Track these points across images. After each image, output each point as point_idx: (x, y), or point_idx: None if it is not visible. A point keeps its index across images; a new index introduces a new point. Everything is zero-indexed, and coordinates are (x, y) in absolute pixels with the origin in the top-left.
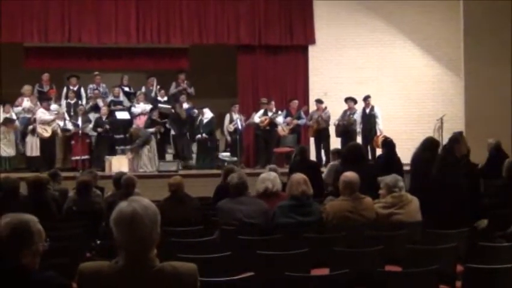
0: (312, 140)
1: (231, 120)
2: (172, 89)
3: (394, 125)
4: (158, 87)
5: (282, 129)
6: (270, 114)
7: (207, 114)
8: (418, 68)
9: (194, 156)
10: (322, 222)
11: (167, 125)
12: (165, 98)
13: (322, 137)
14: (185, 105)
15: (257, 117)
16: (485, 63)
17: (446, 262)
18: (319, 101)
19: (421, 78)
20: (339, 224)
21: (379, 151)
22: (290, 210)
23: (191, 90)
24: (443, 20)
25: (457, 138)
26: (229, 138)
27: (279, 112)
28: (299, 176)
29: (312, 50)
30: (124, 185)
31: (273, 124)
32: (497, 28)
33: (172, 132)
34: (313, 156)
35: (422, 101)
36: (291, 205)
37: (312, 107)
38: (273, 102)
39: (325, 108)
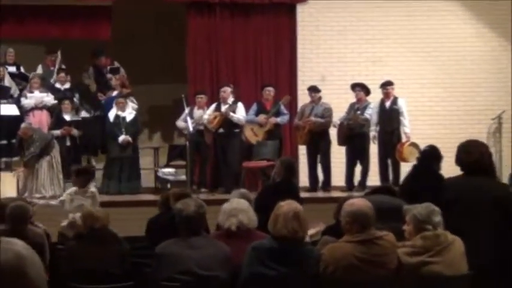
0: (302, 149)
1: (191, 118)
2: (87, 78)
3: (427, 126)
4: (63, 66)
5: (252, 133)
6: (223, 107)
7: (130, 110)
8: (464, 40)
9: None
10: (318, 276)
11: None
12: (67, 85)
13: (319, 145)
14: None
15: (206, 114)
16: None
17: None
18: (314, 89)
19: (467, 56)
20: (342, 279)
21: (406, 166)
22: (269, 256)
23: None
24: None
25: None
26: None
27: (238, 104)
28: (290, 207)
29: (302, 11)
30: (10, 219)
31: (230, 124)
32: None
33: (83, 114)
34: (305, 175)
35: (470, 90)
36: (271, 249)
37: (303, 98)
38: (227, 89)
39: (320, 99)
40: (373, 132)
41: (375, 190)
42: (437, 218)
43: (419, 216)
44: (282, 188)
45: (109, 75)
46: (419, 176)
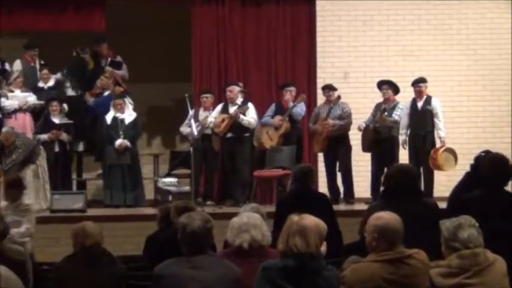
0: (320, 157)
1: (196, 120)
2: (87, 53)
3: (465, 129)
4: (42, 62)
5: (268, 136)
6: (232, 108)
7: (130, 111)
8: (506, 31)
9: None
10: None
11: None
12: (51, 83)
13: (338, 151)
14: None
15: (211, 117)
16: None
17: None
18: (330, 88)
19: (510, 49)
20: None
21: (441, 175)
22: (281, 275)
23: (124, 71)
24: None
25: None
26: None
27: (249, 105)
28: (294, 220)
29: None
30: None
31: (239, 127)
32: None
33: (69, 92)
34: (322, 188)
35: None
36: (284, 268)
37: (323, 98)
38: (235, 88)
39: (339, 98)
40: (403, 136)
41: (391, 187)
42: (466, 234)
43: (446, 232)
44: (296, 197)
45: (108, 68)
46: (473, 186)
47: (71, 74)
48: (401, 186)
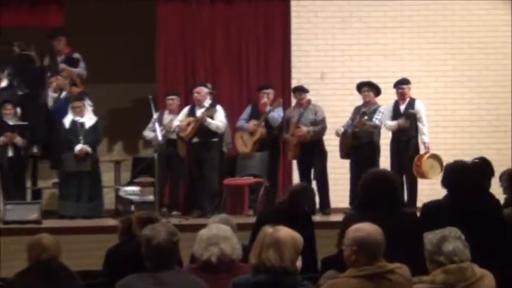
0: (295, 164)
1: (161, 124)
2: (33, 49)
3: (450, 134)
4: None
5: (242, 142)
6: (199, 111)
7: (90, 114)
8: (495, 29)
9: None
10: None
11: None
12: (3, 84)
13: (312, 158)
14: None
15: (177, 121)
16: None
17: None
18: (301, 90)
19: (500, 48)
20: None
21: (424, 183)
22: None
23: (80, 69)
24: None
25: None
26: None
27: (217, 107)
28: (278, 232)
29: None
30: None
31: (207, 132)
32: None
33: (20, 91)
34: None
35: (504, 90)
36: (256, 284)
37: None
38: (203, 89)
39: (309, 102)
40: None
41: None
42: (451, 246)
43: (430, 245)
44: (277, 211)
45: (62, 66)
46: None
47: (15, 73)
48: (378, 195)
